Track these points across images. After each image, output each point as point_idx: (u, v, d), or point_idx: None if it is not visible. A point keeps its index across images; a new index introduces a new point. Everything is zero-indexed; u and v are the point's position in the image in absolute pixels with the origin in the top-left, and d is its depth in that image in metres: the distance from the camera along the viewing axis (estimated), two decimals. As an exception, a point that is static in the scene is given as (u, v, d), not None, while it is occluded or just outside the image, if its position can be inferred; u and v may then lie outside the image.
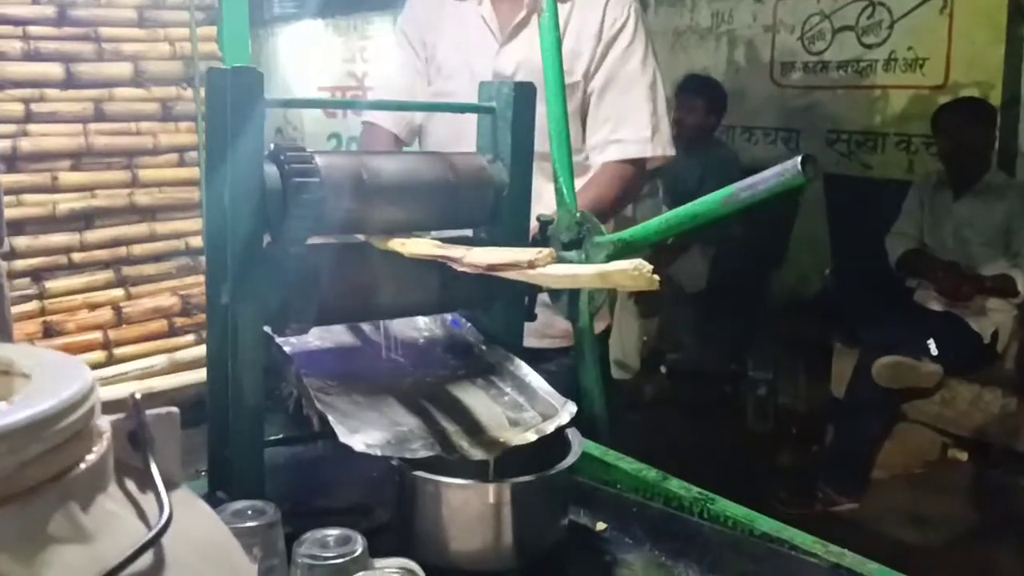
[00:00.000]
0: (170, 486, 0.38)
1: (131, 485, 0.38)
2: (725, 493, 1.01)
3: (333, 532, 0.74)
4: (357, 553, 0.72)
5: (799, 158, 0.92)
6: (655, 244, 1.19)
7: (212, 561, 0.36)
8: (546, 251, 0.84)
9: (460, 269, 0.90)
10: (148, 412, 0.41)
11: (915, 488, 3.14)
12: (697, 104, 4.00)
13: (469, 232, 1.13)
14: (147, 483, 0.37)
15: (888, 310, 3.32)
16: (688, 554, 0.97)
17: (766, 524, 0.93)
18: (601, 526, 1.04)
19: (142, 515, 0.36)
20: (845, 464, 3.18)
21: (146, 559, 0.36)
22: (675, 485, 1.01)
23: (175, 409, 0.41)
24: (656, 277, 0.78)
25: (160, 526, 0.35)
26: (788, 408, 3.78)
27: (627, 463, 1.07)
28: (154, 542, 0.35)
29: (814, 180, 0.93)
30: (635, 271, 0.78)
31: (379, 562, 0.73)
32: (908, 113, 3.85)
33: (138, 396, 0.41)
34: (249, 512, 0.76)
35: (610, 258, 1.12)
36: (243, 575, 0.39)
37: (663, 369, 4.15)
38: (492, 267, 0.87)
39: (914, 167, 3.77)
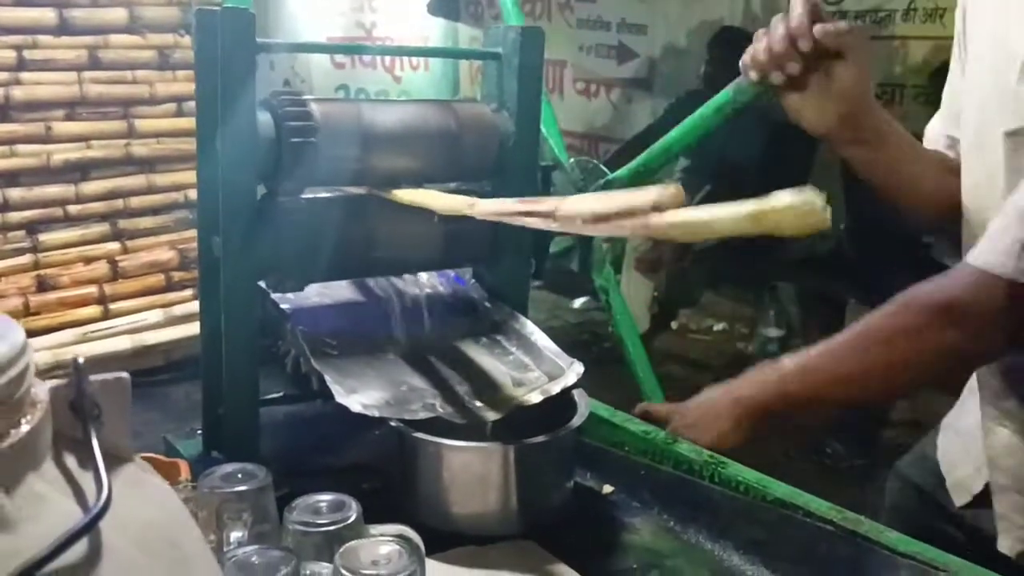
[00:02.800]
0: (118, 462, 0.34)
1: (72, 462, 0.33)
2: (733, 450, 0.98)
3: (326, 497, 0.71)
4: (351, 519, 0.69)
5: None
6: (655, 173, 1.15)
7: (155, 550, 0.32)
8: (671, 188, 0.66)
9: (550, 228, 0.76)
10: (94, 378, 0.36)
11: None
12: (726, 59, 3.90)
13: (472, 184, 1.09)
14: (90, 460, 0.33)
15: (903, 266, 3.26)
16: (698, 519, 0.94)
17: (779, 489, 0.90)
18: (608, 489, 1.01)
19: (81, 497, 0.32)
20: (855, 422, 3.15)
21: (77, 550, 0.31)
22: (685, 448, 0.98)
23: (124, 375, 0.37)
24: (827, 215, 0.61)
25: (95, 511, 0.30)
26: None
27: (635, 424, 1.03)
28: (87, 530, 0.30)
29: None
30: (805, 206, 0.60)
31: (374, 528, 0.70)
32: (927, 64, 3.75)
33: (81, 360, 0.37)
34: (239, 475, 0.73)
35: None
36: (194, 564, 0.35)
37: (674, 326, 4.12)
38: (599, 218, 0.69)
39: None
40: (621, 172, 1.13)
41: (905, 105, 3.92)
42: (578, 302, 4.32)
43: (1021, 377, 1.00)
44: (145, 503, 0.34)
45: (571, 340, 1.02)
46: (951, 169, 1.08)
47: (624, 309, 1.23)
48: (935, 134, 1.17)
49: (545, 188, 1.13)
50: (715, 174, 3.75)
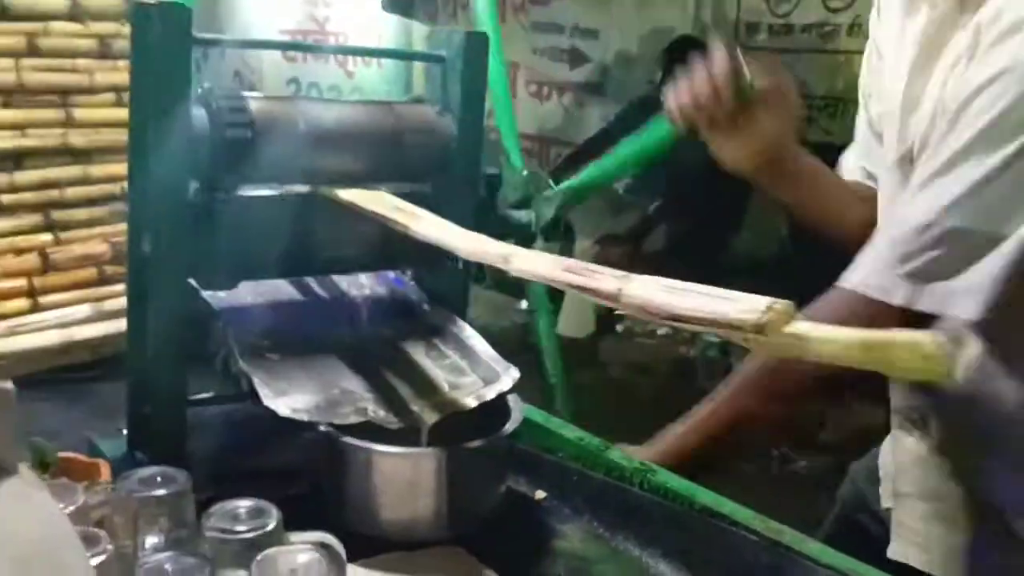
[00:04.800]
0: (1, 474, 0.33)
1: (-54, 478, 0.32)
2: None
3: (246, 503, 0.70)
4: (270, 527, 0.68)
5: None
6: (602, 188, 1.16)
7: (35, 572, 0.31)
8: (781, 307, 0.54)
9: (612, 305, 0.66)
10: (-27, 388, 0.35)
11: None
12: (684, 69, 3.93)
13: (414, 187, 1.08)
14: (-34, 475, 0.31)
15: (844, 270, 3.32)
16: (627, 526, 0.94)
17: (706, 497, 0.91)
18: (540, 495, 1.01)
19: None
20: (800, 424, 3.21)
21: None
22: (616, 455, 0.98)
23: (8, 385, 0.35)
24: (954, 366, 0.52)
25: None
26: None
27: (569, 431, 1.04)
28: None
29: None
30: (932, 347, 0.51)
31: (295, 536, 0.69)
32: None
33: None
34: (158, 479, 0.71)
35: (560, 209, 1.09)
36: None
37: (619, 329, 4.14)
38: (678, 319, 0.59)
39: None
40: (563, 186, 1.13)
41: (847, 119, 4.00)
42: (524, 303, 4.33)
43: (922, 386, 1.03)
44: (28, 520, 0.33)
45: (516, 341, 1.02)
46: (871, 199, 1.11)
47: (548, 320, 1.23)
48: (851, 165, 1.20)
49: (490, 196, 1.13)
50: (662, 187, 3.80)
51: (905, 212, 0.97)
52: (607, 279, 0.65)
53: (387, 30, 5.02)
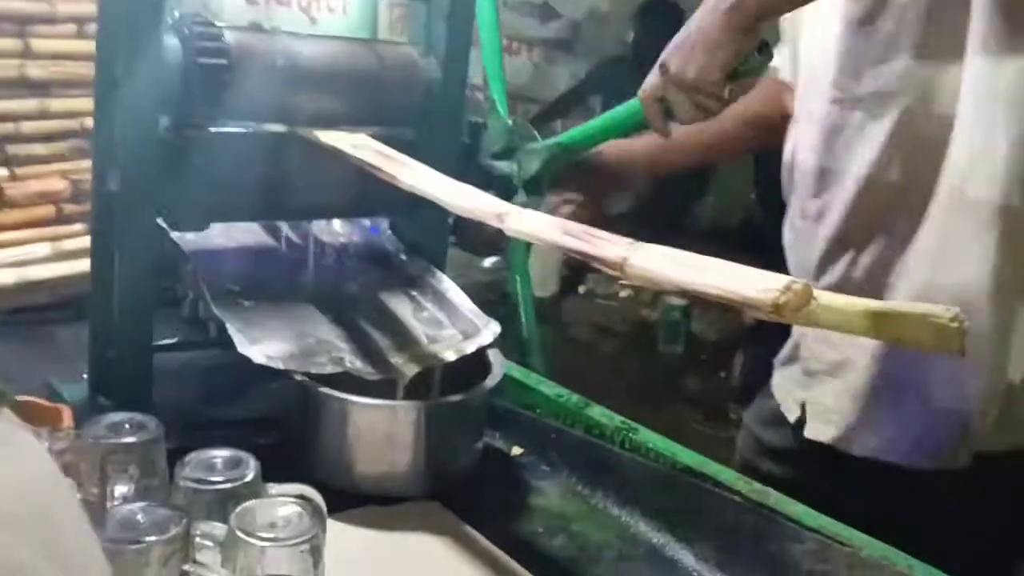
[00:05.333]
0: None
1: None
2: (641, 413, 0.98)
3: (222, 453, 0.66)
4: (248, 478, 0.64)
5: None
6: (590, 149, 1.13)
7: (21, 525, 0.28)
8: (799, 287, 0.52)
9: (615, 274, 0.62)
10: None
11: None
12: (654, 29, 3.90)
13: (394, 130, 1.04)
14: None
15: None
16: (606, 483, 0.93)
17: (689, 458, 0.89)
18: (517, 451, 0.99)
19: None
20: (756, 388, 3.23)
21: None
22: (596, 413, 0.96)
23: None
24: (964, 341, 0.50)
25: None
26: (700, 334, 3.81)
27: (548, 387, 1.01)
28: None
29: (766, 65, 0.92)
30: (949, 319, 0.49)
31: (273, 487, 0.66)
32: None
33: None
34: (127, 426, 0.68)
35: (546, 165, 1.05)
36: (69, 542, 0.30)
37: (581, 290, 4.14)
38: (686, 293, 0.59)
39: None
40: (551, 142, 1.10)
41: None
42: (488, 261, 4.29)
43: None
44: (11, 466, 0.29)
45: (479, 299, 1.00)
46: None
47: (525, 277, 1.20)
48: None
49: (473, 145, 1.09)
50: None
51: None
52: (611, 246, 0.61)
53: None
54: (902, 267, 0.98)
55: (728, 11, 0.91)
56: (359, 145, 0.89)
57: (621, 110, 1.04)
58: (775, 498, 0.83)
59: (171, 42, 0.85)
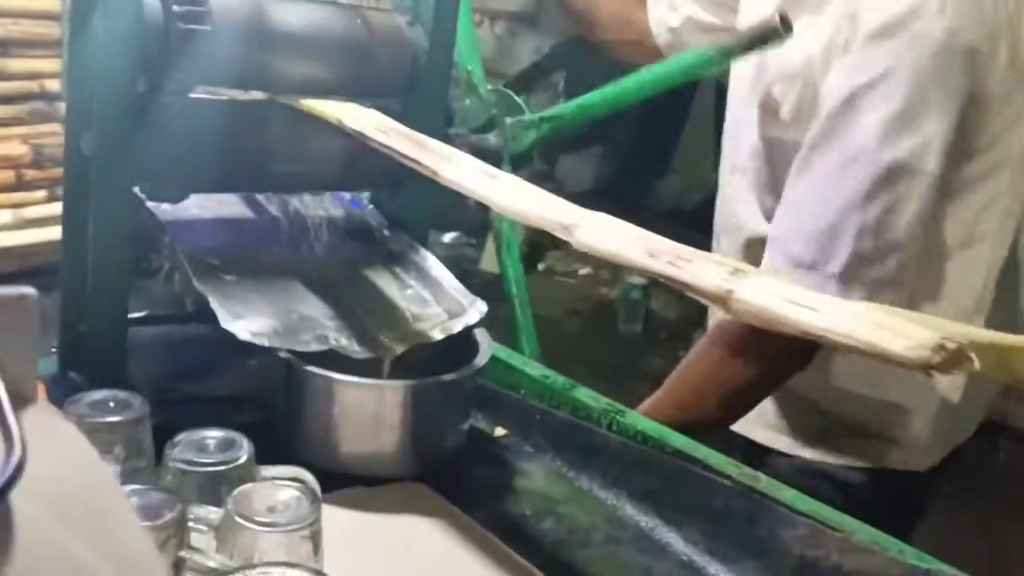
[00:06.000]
0: (22, 404, 0.26)
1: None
2: (600, 391, 0.98)
3: (215, 433, 0.64)
4: (242, 460, 0.62)
5: (777, 16, 0.91)
6: (587, 125, 1.11)
7: (75, 519, 0.25)
8: (952, 344, 0.45)
9: (716, 307, 0.56)
10: (-13, 294, 0.28)
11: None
12: None
13: (380, 101, 1.01)
14: (-12, 405, 0.25)
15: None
16: (592, 466, 0.91)
17: (679, 441, 0.89)
18: (500, 432, 0.97)
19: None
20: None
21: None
22: (583, 395, 0.95)
23: (30, 291, 0.29)
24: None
25: (7, 476, 0.23)
26: (659, 312, 3.83)
27: (533, 368, 1.00)
28: (-2, 500, 0.23)
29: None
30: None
31: (266, 470, 0.64)
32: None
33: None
34: (111, 404, 0.65)
35: (536, 140, 1.03)
36: (123, 536, 0.28)
37: (540, 267, 4.13)
38: (821, 338, 0.49)
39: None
40: (547, 114, 1.08)
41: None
42: (447, 237, 4.26)
43: None
44: (59, 458, 0.27)
45: (462, 273, 0.99)
46: None
47: (515, 256, 1.19)
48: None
49: (447, 123, 1.06)
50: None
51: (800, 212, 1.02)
52: (710, 273, 0.54)
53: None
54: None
55: None
56: (384, 129, 0.83)
57: (619, 85, 1.03)
58: (766, 483, 0.82)
59: (150, 2, 0.81)
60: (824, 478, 1.11)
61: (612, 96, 1.05)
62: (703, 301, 0.56)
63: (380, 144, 0.80)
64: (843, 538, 0.77)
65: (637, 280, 3.81)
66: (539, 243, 4.12)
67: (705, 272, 0.54)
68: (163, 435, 0.71)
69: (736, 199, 1.15)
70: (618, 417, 0.92)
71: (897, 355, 0.46)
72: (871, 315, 0.48)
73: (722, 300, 0.53)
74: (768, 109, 1.06)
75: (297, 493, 0.59)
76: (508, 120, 1.09)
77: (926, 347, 0.45)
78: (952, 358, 0.45)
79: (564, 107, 1.08)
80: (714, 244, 1.21)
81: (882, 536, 0.76)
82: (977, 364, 0.45)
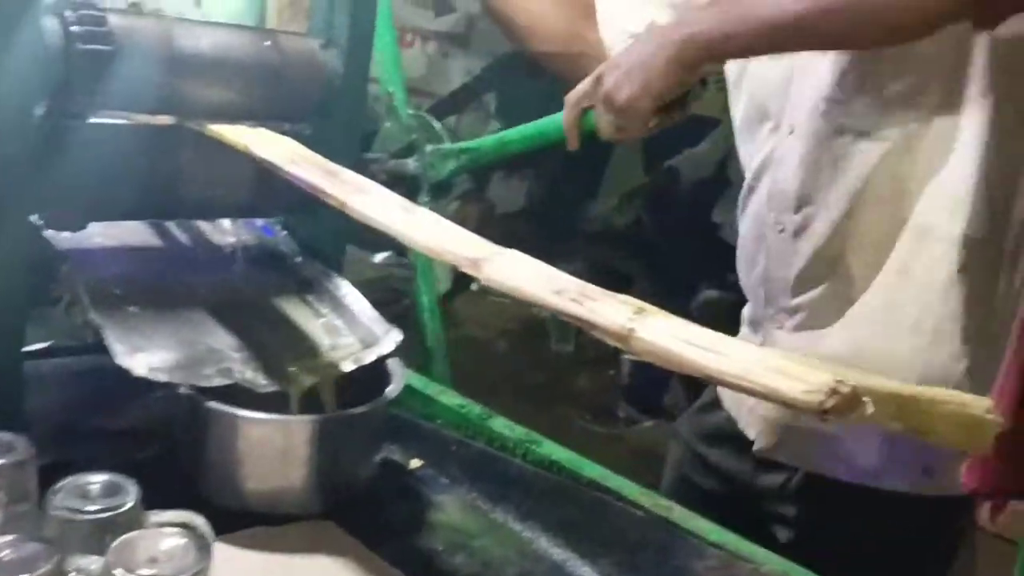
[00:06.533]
0: None
1: None
2: (529, 412, 0.96)
3: (99, 477, 0.61)
4: (127, 506, 0.59)
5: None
6: (502, 159, 1.11)
7: None
8: (848, 388, 0.46)
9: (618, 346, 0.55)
10: None
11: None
12: None
13: (292, 126, 0.99)
14: None
15: (694, 246, 3.41)
16: (508, 497, 0.90)
17: (593, 471, 0.88)
18: (416, 463, 0.96)
19: None
20: (644, 386, 3.30)
21: None
22: (499, 424, 0.94)
23: None
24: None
25: None
26: (590, 333, 3.85)
27: (449, 397, 0.99)
28: None
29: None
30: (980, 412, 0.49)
31: (155, 515, 0.61)
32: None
33: None
34: (-6, 447, 0.61)
35: (456, 170, 1.02)
36: None
37: (473, 287, 4.12)
38: (717, 381, 0.52)
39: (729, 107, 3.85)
40: (467, 146, 1.07)
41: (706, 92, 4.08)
42: (379, 257, 4.22)
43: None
44: None
45: (370, 298, 0.96)
46: None
47: (428, 281, 1.17)
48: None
49: (366, 148, 1.05)
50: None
51: None
52: (612, 311, 0.54)
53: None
54: (878, 285, 0.97)
55: (677, 44, 0.87)
56: (295, 158, 0.81)
57: (539, 123, 1.03)
58: (679, 513, 0.83)
59: (50, 24, 0.78)
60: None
61: (531, 135, 1.05)
62: (605, 339, 0.55)
63: (288, 174, 0.78)
64: (753, 569, 0.77)
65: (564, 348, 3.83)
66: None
67: (608, 312, 0.54)
68: (60, 472, 0.68)
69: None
70: (533, 447, 0.91)
71: (792, 399, 0.46)
72: (769, 360, 0.48)
73: (623, 339, 0.53)
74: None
75: (184, 541, 0.56)
76: (428, 148, 1.08)
77: (820, 391, 0.46)
78: (845, 402, 0.45)
79: (484, 140, 1.08)
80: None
81: (792, 567, 0.77)
82: (871, 409, 0.45)
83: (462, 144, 1.06)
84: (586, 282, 0.59)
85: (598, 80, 0.94)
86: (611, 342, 0.55)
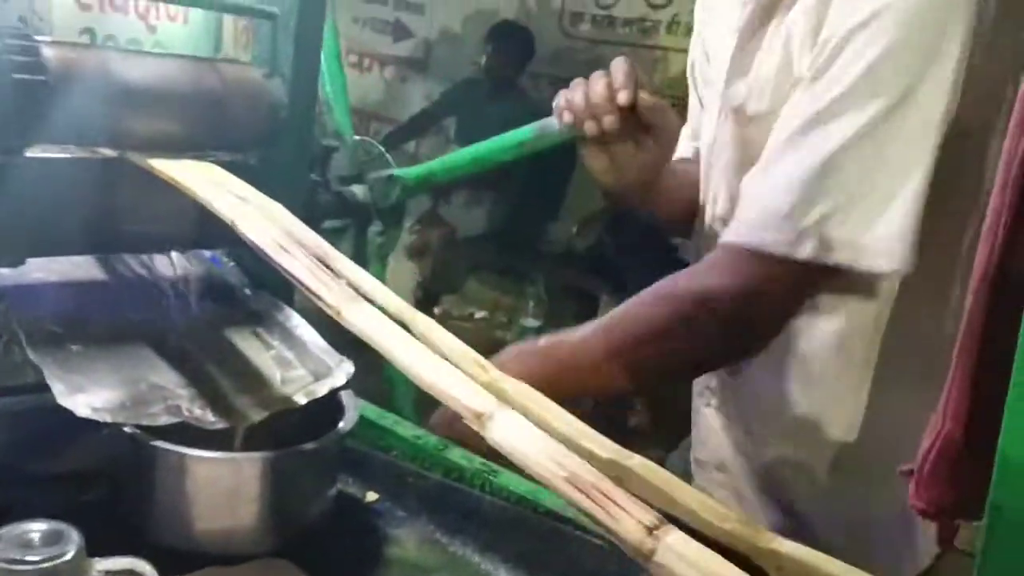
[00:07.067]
0: None
1: None
2: None
3: (40, 526, 0.58)
4: (69, 555, 0.57)
5: None
6: (450, 182, 1.10)
7: None
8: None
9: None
10: None
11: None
12: (506, 52, 3.95)
13: (236, 159, 0.97)
14: None
15: (656, 266, 3.42)
16: (466, 530, 0.89)
17: (551, 501, 0.87)
18: (372, 497, 0.94)
19: None
20: (608, 405, 3.29)
21: None
22: (456, 455, 0.92)
23: None
24: None
25: None
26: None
27: (404, 428, 0.97)
28: None
29: None
30: None
31: (100, 563, 0.59)
32: (684, 76, 3.95)
33: None
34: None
35: (403, 196, 1.01)
36: None
37: (436, 311, 4.10)
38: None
39: (684, 130, 3.89)
40: (409, 172, 1.06)
41: (664, 112, 4.11)
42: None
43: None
44: None
45: (332, 326, 0.94)
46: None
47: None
48: (683, 147, 1.19)
49: (322, 171, 1.03)
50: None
51: (781, 166, 0.89)
52: (633, 519, 0.50)
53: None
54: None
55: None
56: (286, 241, 0.74)
57: (483, 146, 1.02)
58: (639, 541, 0.81)
59: (-20, 55, 0.76)
60: None
61: (476, 155, 1.04)
62: (619, 544, 0.51)
63: (279, 266, 0.72)
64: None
65: (532, 323, 3.82)
66: (435, 288, 4.11)
67: (628, 520, 0.50)
68: (2, 518, 0.65)
69: None
70: (491, 477, 0.89)
71: None
72: None
73: (645, 556, 0.50)
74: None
75: (126, 589, 0.54)
76: (373, 174, 1.07)
77: None
78: None
79: (429, 165, 1.07)
80: None
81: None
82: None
83: (411, 170, 1.05)
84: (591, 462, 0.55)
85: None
86: (627, 550, 0.51)
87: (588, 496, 0.52)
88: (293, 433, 0.82)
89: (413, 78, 4.62)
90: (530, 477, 0.55)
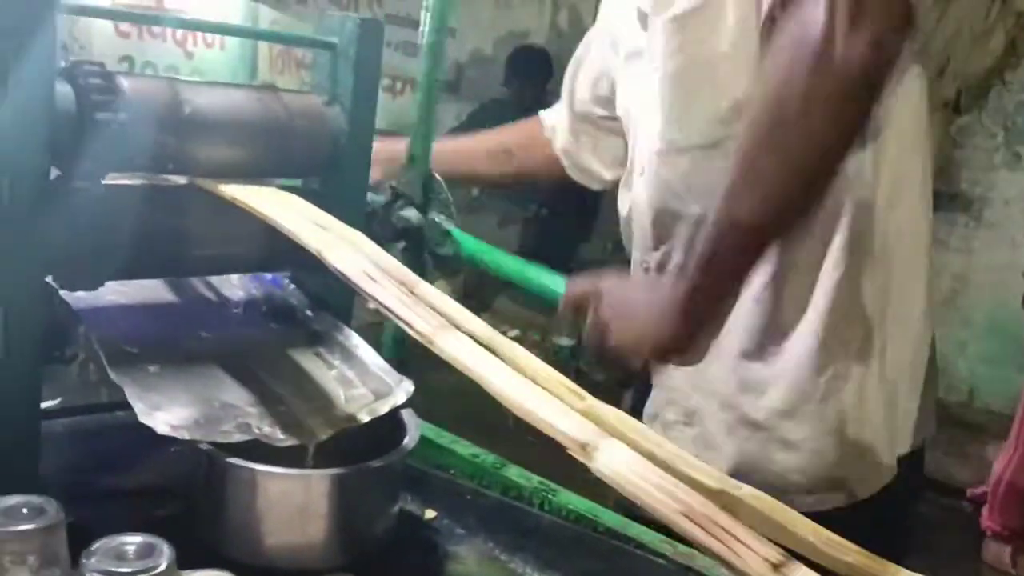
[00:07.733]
0: None
1: None
2: (524, 451, 0.96)
3: (134, 539, 0.61)
4: (162, 567, 0.59)
5: None
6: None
7: None
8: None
9: None
10: None
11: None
12: (528, 74, 4.00)
13: (301, 181, 1.00)
14: None
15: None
16: (525, 548, 0.90)
17: (611, 519, 0.88)
18: (430, 514, 0.96)
19: None
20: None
21: None
22: (514, 473, 0.94)
23: None
24: None
25: None
26: (588, 374, 3.84)
27: (462, 447, 0.99)
28: None
29: None
30: None
31: (188, 575, 0.61)
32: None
33: None
34: (24, 511, 0.61)
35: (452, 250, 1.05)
36: None
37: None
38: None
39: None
40: (466, 241, 1.14)
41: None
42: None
43: None
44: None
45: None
46: None
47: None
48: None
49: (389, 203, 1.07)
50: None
51: None
52: (757, 555, 0.49)
53: (230, 10, 4.77)
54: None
55: (684, 297, 0.82)
56: (375, 271, 0.76)
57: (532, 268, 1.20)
58: (702, 560, 0.82)
59: (63, 89, 0.79)
60: None
61: (524, 273, 1.24)
62: None
63: (370, 296, 0.74)
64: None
65: (565, 341, 3.85)
66: (465, 304, 4.12)
67: (751, 558, 0.49)
68: (78, 534, 0.67)
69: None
70: (549, 496, 0.91)
71: None
72: None
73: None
74: None
75: (219, 602, 0.56)
76: (434, 215, 1.13)
77: None
78: None
79: (483, 249, 1.22)
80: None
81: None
82: None
83: (465, 236, 1.10)
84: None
85: (596, 316, 0.91)
86: None
87: (705, 530, 0.52)
88: (355, 451, 0.84)
89: (444, 100, 4.65)
90: (635, 506, 0.56)
